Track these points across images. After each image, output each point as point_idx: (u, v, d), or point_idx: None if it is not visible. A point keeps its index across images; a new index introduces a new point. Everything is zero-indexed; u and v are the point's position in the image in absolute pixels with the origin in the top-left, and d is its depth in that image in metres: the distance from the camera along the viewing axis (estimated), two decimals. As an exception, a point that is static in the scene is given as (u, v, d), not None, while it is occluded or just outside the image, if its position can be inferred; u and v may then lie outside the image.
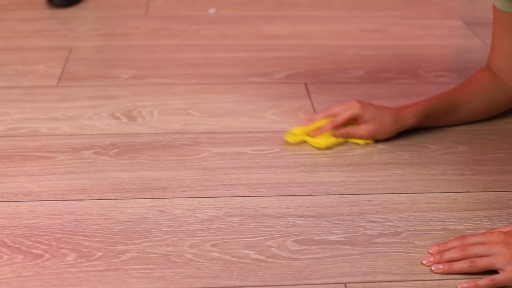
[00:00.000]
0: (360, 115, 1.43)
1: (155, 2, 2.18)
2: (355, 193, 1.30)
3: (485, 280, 1.08)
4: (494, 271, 1.09)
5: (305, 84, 1.69)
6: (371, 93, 1.63)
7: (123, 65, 1.76)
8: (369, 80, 1.71)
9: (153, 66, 1.76)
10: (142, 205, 1.26)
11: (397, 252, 1.15)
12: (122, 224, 1.21)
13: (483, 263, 1.09)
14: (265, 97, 1.61)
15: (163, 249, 1.15)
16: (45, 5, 2.13)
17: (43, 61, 1.78)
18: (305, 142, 1.44)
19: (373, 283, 1.09)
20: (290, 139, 1.43)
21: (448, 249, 1.13)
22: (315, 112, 1.55)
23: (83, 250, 1.15)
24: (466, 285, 1.08)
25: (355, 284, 1.09)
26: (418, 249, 1.16)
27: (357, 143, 1.43)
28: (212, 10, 2.11)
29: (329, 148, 1.42)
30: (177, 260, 1.13)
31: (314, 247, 1.16)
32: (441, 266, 1.11)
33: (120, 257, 1.14)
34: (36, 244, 1.16)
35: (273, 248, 1.16)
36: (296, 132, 1.44)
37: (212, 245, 1.16)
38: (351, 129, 1.44)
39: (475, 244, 1.11)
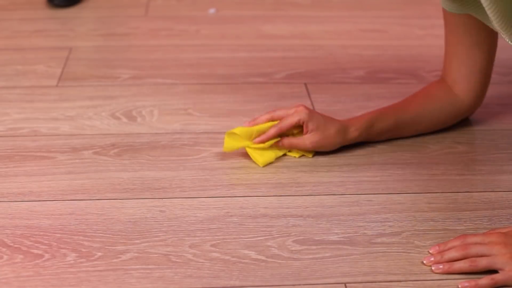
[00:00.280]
0: (306, 122, 1.37)
1: (155, 2, 2.18)
2: (355, 193, 1.30)
3: (485, 279, 1.08)
4: (493, 271, 1.09)
5: (305, 84, 1.69)
6: (371, 93, 1.63)
7: (123, 65, 1.76)
8: (369, 80, 1.71)
9: (153, 66, 1.76)
10: (142, 205, 1.26)
11: (397, 252, 1.15)
12: (122, 224, 1.21)
13: (483, 262, 1.09)
14: (265, 97, 1.61)
15: (163, 249, 1.15)
16: (45, 5, 2.13)
17: (43, 61, 1.78)
18: (243, 149, 1.38)
19: (373, 283, 1.09)
20: (229, 145, 1.37)
21: (448, 249, 1.13)
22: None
23: (83, 250, 1.15)
24: (466, 284, 1.08)
25: (355, 284, 1.09)
26: (418, 249, 1.16)
27: (294, 156, 1.39)
28: (212, 10, 2.11)
29: (266, 165, 1.37)
30: (177, 260, 1.13)
31: (314, 247, 1.16)
32: (441, 266, 1.11)
33: (120, 257, 1.14)
34: (36, 244, 1.16)
35: (273, 248, 1.16)
36: (238, 132, 1.36)
37: (212, 245, 1.16)
38: (294, 140, 1.38)
39: (475, 243, 1.11)
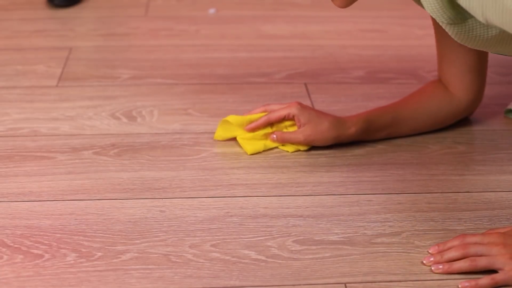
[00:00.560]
0: (297, 116, 1.39)
1: (155, 2, 2.18)
2: (355, 193, 1.30)
3: (485, 279, 1.08)
4: (493, 271, 1.09)
5: (305, 84, 1.69)
6: (371, 93, 1.63)
7: (123, 65, 1.76)
8: (369, 80, 1.71)
9: (153, 66, 1.76)
10: (142, 205, 1.26)
11: (397, 252, 1.15)
12: (122, 224, 1.21)
13: (483, 262, 1.09)
14: (265, 97, 1.61)
15: (163, 249, 1.15)
16: (45, 5, 2.13)
17: (43, 61, 1.78)
18: (234, 139, 1.42)
19: (373, 283, 1.09)
20: (220, 133, 1.42)
21: (448, 249, 1.13)
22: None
23: (83, 250, 1.15)
24: (467, 284, 1.08)
25: (355, 284, 1.09)
26: (418, 249, 1.16)
27: (287, 151, 1.40)
28: (212, 10, 2.11)
29: (254, 154, 1.40)
30: (177, 260, 1.13)
31: (314, 247, 1.16)
32: (441, 266, 1.11)
33: (120, 257, 1.14)
34: (36, 244, 1.16)
35: (273, 248, 1.16)
36: (231, 120, 1.41)
37: (212, 245, 1.16)
38: (287, 134, 1.40)
39: (475, 243, 1.11)
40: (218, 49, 1.86)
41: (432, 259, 1.13)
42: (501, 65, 1.72)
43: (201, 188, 1.30)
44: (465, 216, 1.24)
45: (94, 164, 1.37)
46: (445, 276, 1.10)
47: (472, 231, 1.19)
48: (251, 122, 1.42)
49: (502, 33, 1.09)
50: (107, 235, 1.18)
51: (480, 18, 1.02)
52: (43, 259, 1.13)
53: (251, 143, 1.40)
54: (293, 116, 1.40)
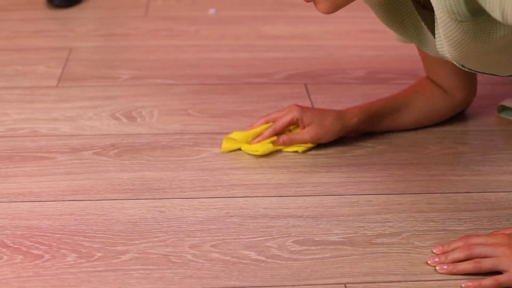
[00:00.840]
0: (300, 118, 1.39)
1: (155, 2, 2.18)
2: (355, 193, 1.30)
3: (489, 280, 1.08)
4: (497, 272, 1.09)
5: (305, 84, 1.69)
6: (371, 93, 1.63)
7: (123, 66, 1.76)
8: (369, 80, 1.71)
9: (153, 67, 1.76)
10: (142, 205, 1.26)
11: (397, 252, 1.15)
12: (122, 224, 1.21)
13: (487, 263, 1.09)
14: (265, 98, 1.61)
15: (163, 250, 1.15)
16: (45, 6, 2.13)
17: (43, 62, 1.78)
18: (239, 150, 1.40)
19: (373, 284, 1.09)
20: (226, 145, 1.40)
21: (452, 250, 1.13)
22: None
23: (83, 250, 1.15)
24: (470, 284, 1.08)
25: (355, 285, 1.09)
26: (418, 250, 1.16)
27: (296, 151, 1.40)
28: (212, 11, 2.11)
29: (265, 154, 1.39)
30: (177, 261, 1.13)
31: (314, 247, 1.16)
32: (445, 267, 1.11)
33: (120, 258, 1.14)
34: (36, 245, 1.16)
35: (273, 249, 1.16)
36: (235, 137, 1.41)
37: (212, 246, 1.16)
38: (293, 135, 1.40)
39: (479, 244, 1.11)
40: (218, 50, 1.86)
41: (437, 259, 1.13)
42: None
43: (201, 188, 1.30)
44: (465, 216, 1.24)
45: (94, 164, 1.37)
46: (445, 277, 1.10)
47: (472, 232, 1.19)
48: (255, 135, 1.41)
49: (510, 35, 1.09)
50: (107, 236, 1.18)
51: (497, 13, 1.01)
52: (43, 259, 1.13)
53: (260, 144, 1.39)
54: (297, 120, 1.40)
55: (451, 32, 1.10)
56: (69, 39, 1.92)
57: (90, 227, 1.20)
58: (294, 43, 1.91)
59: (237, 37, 1.95)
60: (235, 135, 1.41)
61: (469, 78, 1.45)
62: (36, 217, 1.23)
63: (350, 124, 1.41)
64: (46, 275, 1.10)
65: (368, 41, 1.95)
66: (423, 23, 1.24)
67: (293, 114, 1.40)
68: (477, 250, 1.11)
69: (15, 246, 1.16)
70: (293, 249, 1.16)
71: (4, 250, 1.15)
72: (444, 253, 1.13)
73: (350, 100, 1.60)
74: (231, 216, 1.23)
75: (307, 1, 1.16)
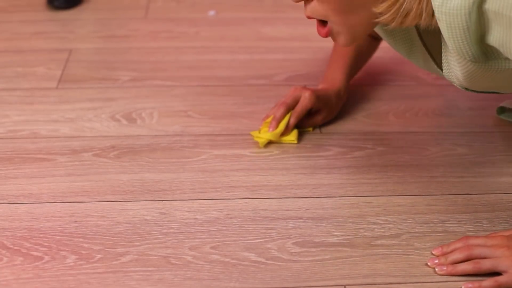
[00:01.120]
0: (315, 103, 1.47)
1: (155, 4, 2.17)
2: (355, 195, 1.30)
3: (489, 281, 1.08)
4: (496, 273, 1.09)
5: (305, 86, 1.68)
6: (370, 95, 1.63)
7: (123, 67, 1.76)
8: (368, 82, 1.71)
9: (153, 68, 1.76)
10: (142, 207, 1.26)
11: (397, 254, 1.15)
12: (122, 226, 1.21)
13: (487, 264, 1.09)
14: (265, 99, 1.61)
15: (162, 251, 1.15)
16: (45, 7, 2.13)
17: (43, 63, 1.78)
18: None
19: (373, 285, 1.09)
20: (262, 142, 1.42)
21: (452, 251, 1.13)
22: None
23: (83, 252, 1.15)
24: (470, 285, 1.08)
25: (354, 286, 1.09)
26: (418, 251, 1.16)
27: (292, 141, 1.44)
28: (212, 12, 2.11)
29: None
30: (177, 262, 1.13)
31: (313, 249, 1.16)
32: (445, 268, 1.11)
33: (120, 259, 1.14)
34: (36, 246, 1.16)
35: (273, 250, 1.16)
36: (264, 136, 1.43)
37: (212, 247, 1.16)
38: (307, 120, 1.48)
39: (478, 245, 1.12)
40: (218, 51, 1.86)
41: (436, 261, 1.13)
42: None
43: (200, 190, 1.30)
44: (465, 218, 1.24)
45: (94, 166, 1.37)
46: (445, 278, 1.10)
47: (472, 233, 1.19)
48: (281, 130, 1.43)
49: None
50: (107, 237, 1.18)
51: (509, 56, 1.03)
52: (43, 261, 1.13)
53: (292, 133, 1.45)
54: (314, 106, 1.47)
55: (463, 67, 1.10)
56: (69, 40, 1.92)
57: (90, 229, 1.20)
58: (294, 45, 1.91)
59: (237, 38, 1.94)
60: (266, 134, 1.43)
61: None
62: (36, 219, 1.23)
63: (344, 97, 1.53)
64: (46, 276, 1.10)
65: (368, 43, 1.94)
66: (424, 49, 1.23)
67: (312, 103, 1.46)
68: (477, 251, 1.11)
69: (15, 247, 1.16)
70: (293, 250, 1.16)
71: (4, 251, 1.15)
72: (444, 254, 1.13)
73: (350, 101, 1.60)
74: (231, 217, 1.23)
75: (324, 36, 1.24)
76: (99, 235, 1.19)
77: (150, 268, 1.12)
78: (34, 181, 1.32)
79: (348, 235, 1.19)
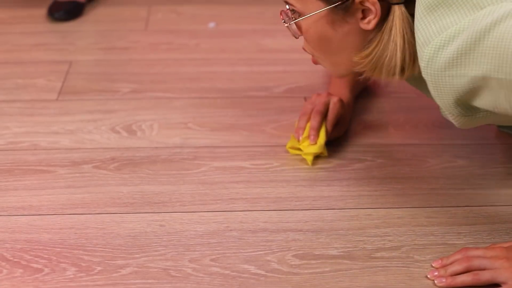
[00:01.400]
0: (342, 111, 1.47)
1: (155, 16, 2.18)
2: (354, 207, 1.30)
3: (487, 293, 1.08)
4: (496, 285, 1.09)
5: (305, 98, 1.68)
6: (370, 107, 1.63)
7: (123, 79, 1.77)
8: (368, 94, 1.71)
9: (153, 80, 1.76)
10: (142, 219, 1.26)
11: (397, 266, 1.15)
12: (121, 238, 1.21)
13: (486, 276, 1.10)
14: (265, 111, 1.61)
15: (162, 264, 1.15)
16: (45, 19, 2.14)
17: (43, 75, 1.78)
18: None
19: (373, 298, 1.09)
20: (309, 159, 1.41)
21: (451, 263, 1.13)
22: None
23: (83, 264, 1.15)
24: None
25: (354, 299, 1.09)
26: (418, 264, 1.16)
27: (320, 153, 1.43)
28: (212, 24, 2.11)
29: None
30: (177, 275, 1.13)
31: (313, 261, 1.16)
32: (444, 280, 1.11)
33: (119, 272, 1.14)
34: (36, 258, 1.16)
35: (272, 263, 1.16)
36: (311, 150, 1.41)
37: (211, 260, 1.16)
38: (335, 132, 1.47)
39: (478, 257, 1.12)
40: (218, 63, 1.87)
41: (436, 273, 1.13)
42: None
43: (200, 202, 1.30)
44: (464, 230, 1.24)
45: (94, 178, 1.37)
46: (444, 291, 1.10)
47: (471, 245, 1.19)
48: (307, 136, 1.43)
49: None
50: (106, 250, 1.18)
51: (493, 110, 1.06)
52: (43, 273, 1.13)
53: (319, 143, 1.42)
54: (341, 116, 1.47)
55: (454, 118, 1.13)
56: (69, 52, 1.92)
57: (90, 241, 1.20)
58: (294, 57, 1.91)
59: (237, 50, 1.95)
60: (306, 148, 1.41)
61: None
62: (36, 231, 1.23)
63: (351, 110, 1.53)
64: (46, 289, 1.10)
65: (367, 55, 1.95)
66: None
67: (343, 109, 1.46)
68: (476, 263, 1.11)
69: (15, 259, 1.16)
70: (292, 263, 1.16)
71: (4, 263, 1.15)
72: (444, 266, 1.13)
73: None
74: (230, 230, 1.23)
75: (314, 64, 1.27)
76: (99, 247, 1.19)
77: (150, 281, 1.12)
78: (34, 193, 1.33)
79: (348, 248, 1.19)
